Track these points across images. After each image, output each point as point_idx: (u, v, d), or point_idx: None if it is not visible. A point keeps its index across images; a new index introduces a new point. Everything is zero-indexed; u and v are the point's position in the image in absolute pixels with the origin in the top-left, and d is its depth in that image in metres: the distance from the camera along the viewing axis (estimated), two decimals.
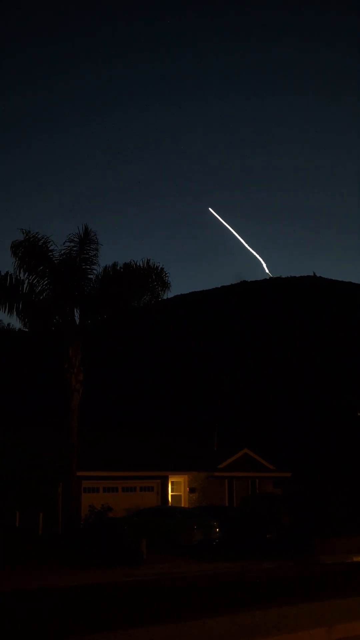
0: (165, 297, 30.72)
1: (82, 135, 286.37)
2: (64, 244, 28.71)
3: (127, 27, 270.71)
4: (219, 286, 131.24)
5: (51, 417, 44.59)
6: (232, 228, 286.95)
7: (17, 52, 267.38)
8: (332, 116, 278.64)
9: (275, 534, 28.94)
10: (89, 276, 29.01)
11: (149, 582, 17.83)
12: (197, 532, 27.75)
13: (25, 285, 28.17)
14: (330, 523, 31.31)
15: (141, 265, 29.04)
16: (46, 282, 28.35)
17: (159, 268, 29.16)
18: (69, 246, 28.64)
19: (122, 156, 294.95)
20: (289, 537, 28.35)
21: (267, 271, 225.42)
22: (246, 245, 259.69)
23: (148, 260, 29.14)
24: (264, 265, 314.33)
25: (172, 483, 36.37)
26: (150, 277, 29.17)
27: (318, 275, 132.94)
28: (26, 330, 32.63)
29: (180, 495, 36.68)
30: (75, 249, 28.72)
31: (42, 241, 28.29)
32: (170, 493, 35.97)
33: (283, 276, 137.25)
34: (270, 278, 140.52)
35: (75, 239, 28.73)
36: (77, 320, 29.08)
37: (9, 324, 73.87)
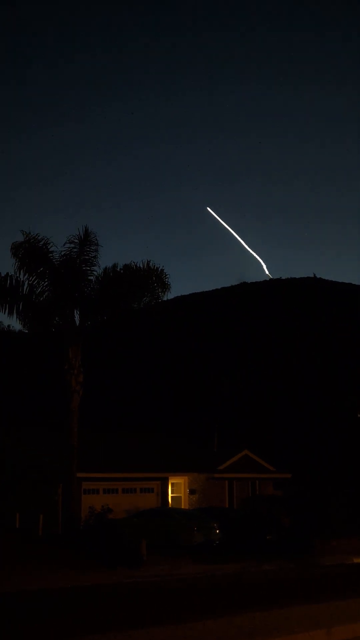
0: (165, 299, 30.74)
1: (81, 136, 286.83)
2: (64, 245, 28.75)
3: (125, 20, 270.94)
4: (219, 287, 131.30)
5: (51, 417, 44.59)
6: (232, 229, 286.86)
7: (14, 50, 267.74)
8: (333, 116, 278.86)
9: (275, 535, 28.95)
10: (89, 277, 29.04)
11: (148, 583, 17.84)
12: (197, 534, 27.74)
13: (25, 287, 28.20)
14: (331, 524, 31.31)
15: (141, 266, 29.07)
16: (46, 283, 28.37)
17: (159, 269, 29.19)
18: (69, 247, 28.69)
19: (122, 158, 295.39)
20: (289, 538, 28.36)
21: (267, 272, 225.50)
22: (246, 246, 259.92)
23: (148, 262, 29.18)
24: (264, 266, 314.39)
25: (172, 484, 36.37)
26: (150, 278, 29.19)
27: (318, 276, 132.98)
28: (26, 331, 32.66)
29: (180, 497, 36.68)
30: (75, 250, 28.75)
31: (42, 242, 28.33)
32: (170, 494, 35.97)
33: (283, 277, 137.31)
34: (270, 279, 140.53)
35: (76, 240, 28.77)
36: (77, 322, 29.09)
37: (9, 326, 73.99)
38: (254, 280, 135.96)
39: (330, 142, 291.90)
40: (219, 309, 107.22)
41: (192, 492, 36.93)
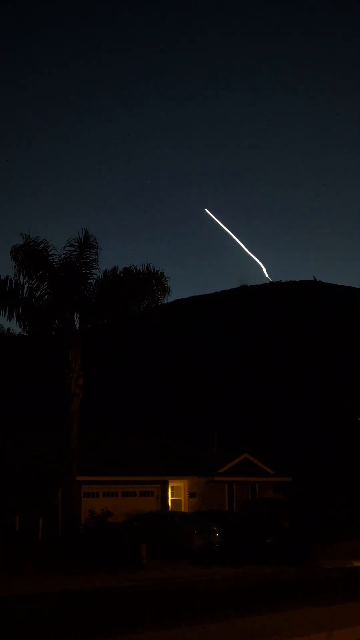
0: (165, 302, 30.76)
1: (81, 138, 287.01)
2: (64, 248, 28.78)
3: (124, 23, 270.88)
4: (219, 291, 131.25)
5: (51, 418, 44.57)
6: (231, 232, 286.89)
7: (13, 52, 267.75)
8: (334, 119, 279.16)
9: (275, 538, 28.92)
10: (89, 281, 29.07)
11: (148, 586, 17.81)
12: (197, 537, 27.71)
13: (25, 290, 28.25)
14: (331, 525, 31.31)
15: (141, 269, 29.09)
16: (46, 286, 28.40)
17: (159, 273, 29.22)
18: (69, 250, 28.72)
19: (122, 160, 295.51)
20: (289, 541, 28.32)
21: (267, 276, 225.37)
22: (246, 250, 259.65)
23: (148, 265, 29.21)
24: (264, 269, 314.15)
25: (172, 488, 36.33)
26: (150, 281, 29.21)
27: (318, 279, 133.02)
28: (26, 334, 32.67)
29: (180, 500, 36.64)
30: (75, 253, 28.78)
31: (42, 245, 28.37)
32: (170, 498, 35.93)
33: (283, 281, 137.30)
34: (271, 283, 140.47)
35: (75, 244, 28.79)
36: (77, 325, 29.10)
37: (9, 329, 73.96)
38: (254, 284, 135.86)
39: (331, 146, 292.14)
40: (219, 312, 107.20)
41: (192, 495, 36.90)
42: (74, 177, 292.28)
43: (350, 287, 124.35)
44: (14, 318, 28.30)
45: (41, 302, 28.41)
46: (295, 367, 79.40)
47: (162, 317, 37.78)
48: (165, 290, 29.43)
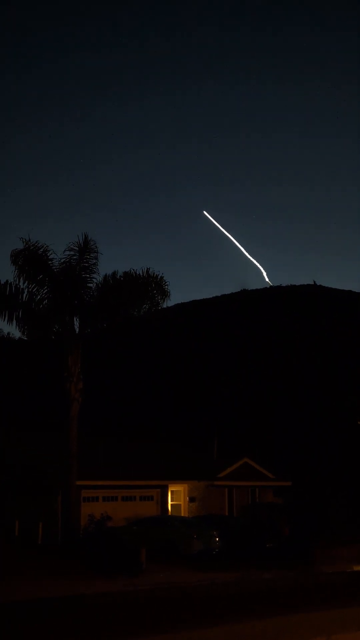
0: (165, 306, 30.80)
1: (81, 140, 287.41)
2: (63, 252, 28.82)
3: (122, 22, 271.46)
4: (220, 295, 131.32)
5: (51, 418, 44.55)
6: (232, 236, 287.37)
7: (12, 53, 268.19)
8: (334, 123, 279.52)
9: (275, 543, 28.87)
10: (89, 285, 29.09)
11: (147, 591, 17.78)
12: (196, 542, 27.67)
13: (24, 294, 28.27)
14: (330, 526, 31.29)
15: (141, 273, 29.12)
16: (46, 290, 28.41)
17: (159, 277, 29.27)
18: (68, 255, 28.75)
19: (122, 163, 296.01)
20: (289, 546, 28.28)
21: (267, 280, 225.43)
22: (246, 254, 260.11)
23: (148, 269, 29.25)
24: (264, 274, 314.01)
25: (172, 492, 36.29)
26: (150, 285, 29.24)
27: (318, 284, 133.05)
28: (26, 338, 32.68)
29: (180, 505, 36.60)
30: (75, 257, 28.80)
31: (41, 250, 28.39)
32: (170, 502, 35.88)
33: (283, 285, 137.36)
34: (271, 287, 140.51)
35: (75, 248, 28.82)
36: (77, 329, 29.11)
37: (8, 333, 74.00)
38: (254, 288, 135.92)
39: (331, 150, 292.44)
40: (219, 315, 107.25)
41: (191, 499, 36.85)
42: (73, 181, 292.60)
43: (350, 291, 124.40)
44: (14, 322, 28.34)
45: (41, 306, 28.43)
46: (295, 367, 79.43)
47: (162, 321, 37.86)
48: (165, 294, 29.47)
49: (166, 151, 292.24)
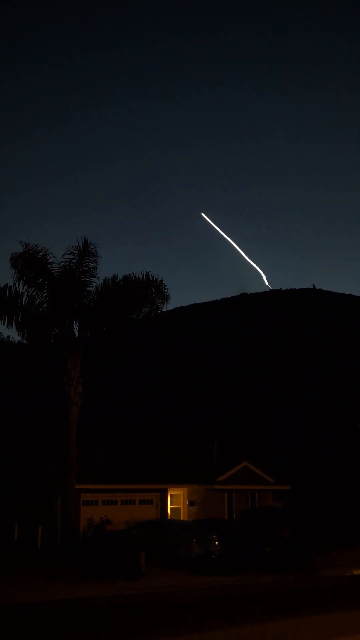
0: (165, 309, 30.80)
1: (82, 142, 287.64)
2: (63, 256, 28.86)
3: (122, 24, 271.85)
4: (219, 298, 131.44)
5: (50, 420, 44.56)
6: (231, 240, 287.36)
7: (11, 55, 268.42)
8: (333, 127, 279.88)
9: (274, 547, 28.85)
10: (88, 288, 29.12)
11: (147, 595, 17.76)
12: (196, 545, 27.65)
13: (24, 298, 28.28)
14: (330, 529, 31.25)
15: (140, 277, 29.13)
16: (45, 294, 28.43)
17: (158, 280, 29.28)
18: (68, 258, 28.78)
19: (122, 166, 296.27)
20: (288, 549, 28.27)
21: (266, 283, 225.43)
22: (246, 257, 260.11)
23: (147, 273, 29.27)
24: (264, 277, 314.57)
25: (172, 496, 36.27)
26: (149, 289, 29.26)
27: (318, 287, 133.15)
28: (25, 342, 32.69)
29: (179, 508, 36.58)
30: (74, 261, 28.83)
31: (41, 253, 28.43)
32: (169, 506, 35.87)
33: (283, 288, 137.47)
34: (270, 290, 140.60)
35: (75, 251, 28.86)
36: (77, 333, 29.11)
37: (8, 337, 74.01)
38: (254, 291, 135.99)
39: (331, 153, 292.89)
40: (218, 318, 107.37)
41: (191, 503, 36.84)
42: (73, 184, 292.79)
43: (350, 294, 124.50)
44: (13, 326, 28.35)
45: (40, 310, 28.45)
46: (295, 368, 79.53)
47: (162, 324, 37.81)
48: (165, 297, 29.49)
49: (166, 152, 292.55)
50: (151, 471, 36.09)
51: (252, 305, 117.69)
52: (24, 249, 28.20)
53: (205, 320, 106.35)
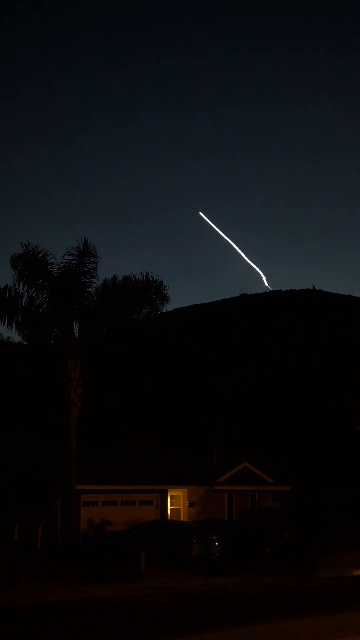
0: (165, 310, 30.77)
1: (82, 146, 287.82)
2: (63, 257, 28.81)
3: (127, 35, 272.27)
4: (219, 299, 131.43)
5: (50, 421, 44.52)
6: (231, 241, 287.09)
7: (13, 64, 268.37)
8: (331, 123, 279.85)
9: (274, 547, 28.85)
10: (88, 289, 29.09)
11: (147, 596, 17.78)
12: (196, 546, 27.64)
13: (24, 299, 28.25)
14: (330, 530, 31.28)
15: (140, 278, 29.11)
16: (45, 295, 28.41)
17: (158, 281, 29.24)
18: (68, 259, 28.75)
19: (122, 167, 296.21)
20: (288, 550, 28.27)
21: (266, 284, 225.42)
22: (246, 258, 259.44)
23: (147, 274, 29.24)
24: (264, 278, 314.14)
25: (172, 497, 36.27)
26: (149, 290, 29.23)
27: (317, 288, 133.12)
28: (25, 343, 32.68)
29: (179, 509, 36.58)
30: (74, 262, 28.81)
31: (41, 254, 28.40)
32: (169, 507, 35.86)
33: (283, 289, 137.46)
34: (270, 291, 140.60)
35: (75, 252, 28.83)
36: (76, 334, 29.10)
37: (8, 337, 74.01)
38: (254, 292, 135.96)
39: (330, 154, 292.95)
40: (218, 319, 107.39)
41: (191, 504, 36.85)
42: (72, 185, 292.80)
43: (350, 295, 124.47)
44: (14, 327, 28.33)
45: (40, 310, 28.43)
46: (295, 368, 79.57)
47: (162, 325, 37.82)
48: (165, 298, 29.47)
49: (167, 158, 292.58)
50: (151, 472, 36.10)
51: (252, 306, 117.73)
52: (24, 250, 28.20)
53: (205, 321, 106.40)
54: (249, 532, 30.55)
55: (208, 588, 19.65)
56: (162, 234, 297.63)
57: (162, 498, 35.41)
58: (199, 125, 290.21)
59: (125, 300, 29.07)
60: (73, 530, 27.85)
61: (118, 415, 64.87)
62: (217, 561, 27.11)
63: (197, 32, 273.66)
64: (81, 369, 28.60)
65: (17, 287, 28.10)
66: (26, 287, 28.20)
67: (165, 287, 29.25)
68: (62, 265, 28.58)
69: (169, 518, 34.83)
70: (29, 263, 28.11)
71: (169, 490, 35.82)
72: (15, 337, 47.03)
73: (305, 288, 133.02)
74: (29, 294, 28.26)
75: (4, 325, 28.18)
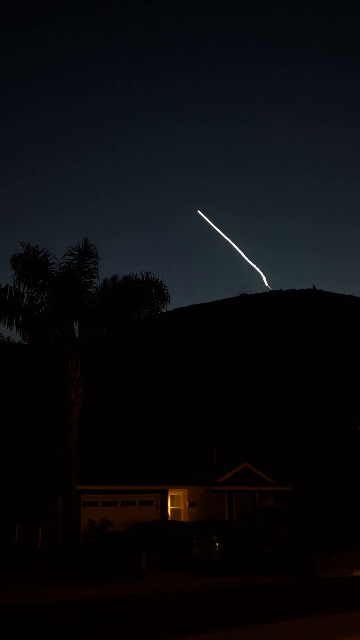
0: (165, 310, 30.70)
1: (83, 150, 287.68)
2: (63, 257, 28.75)
3: (132, 47, 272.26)
4: (220, 299, 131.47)
5: (50, 421, 44.50)
6: (231, 242, 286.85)
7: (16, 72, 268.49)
8: (330, 122, 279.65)
9: (275, 548, 28.83)
10: (89, 289, 29.04)
11: (147, 597, 17.76)
12: (196, 547, 27.60)
13: (24, 299, 28.18)
14: (330, 531, 31.24)
15: (140, 278, 29.04)
16: (46, 295, 28.36)
17: (158, 281, 29.17)
18: (68, 259, 28.69)
19: (122, 168, 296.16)
20: (288, 551, 28.25)
21: (266, 284, 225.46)
22: (246, 259, 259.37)
23: (147, 274, 29.19)
24: (264, 278, 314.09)
25: (172, 497, 36.22)
26: (149, 290, 29.17)
27: (318, 288, 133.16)
28: (26, 343, 32.61)
29: (180, 510, 36.52)
30: (75, 262, 28.75)
31: (41, 254, 28.34)
32: (169, 507, 35.80)
33: (283, 289, 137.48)
34: (270, 291, 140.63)
35: (75, 252, 28.77)
36: (77, 334, 29.05)
37: (8, 337, 73.98)
38: (254, 292, 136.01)
39: (329, 151, 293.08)
40: (218, 319, 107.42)
41: (191, 504, 36.80)
42: (73, 186, 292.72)
43: (350, 295, 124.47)
44: (14, 327, 28.29)
45: (41, 311, 28.37)
46: (295, 369, 79.54)
47: (162, 325, 37.84)
48: (165, 298, 29.40)
49: (167, 157, 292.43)
50: (151, 472, 36.05)
51: (252, 306, 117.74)
52: (24, 250, 28.14)
53: (205, 321, 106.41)
54: (249, 532, 30.52)
55: (208, 589, 19.64)
56: (163, 234, 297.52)
57: (163, 498, 35.36)
58: (199, 124, 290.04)
59: (125, 300, 29.02)
60: (73, 531, 27.80)
61: (118, 415, 64.88)
62: (217, 561, 27.08)
63: (203, 45, 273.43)
64: (81, 369, 28.56)
65: (17, 287, 28.05)
66: (27, 287, 28.15)
67: (165, 287, 29.22)
68: (62, 265, 28.55)
69: (170, 518, 34.77)
70: (30, 263, 28.06)
71: (169, 490, 35.77)
72: (16, 337, 47.01)
73: (305, 288, 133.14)
74: (30, 294, 28.22)
75: (4, 325, 28.15)
